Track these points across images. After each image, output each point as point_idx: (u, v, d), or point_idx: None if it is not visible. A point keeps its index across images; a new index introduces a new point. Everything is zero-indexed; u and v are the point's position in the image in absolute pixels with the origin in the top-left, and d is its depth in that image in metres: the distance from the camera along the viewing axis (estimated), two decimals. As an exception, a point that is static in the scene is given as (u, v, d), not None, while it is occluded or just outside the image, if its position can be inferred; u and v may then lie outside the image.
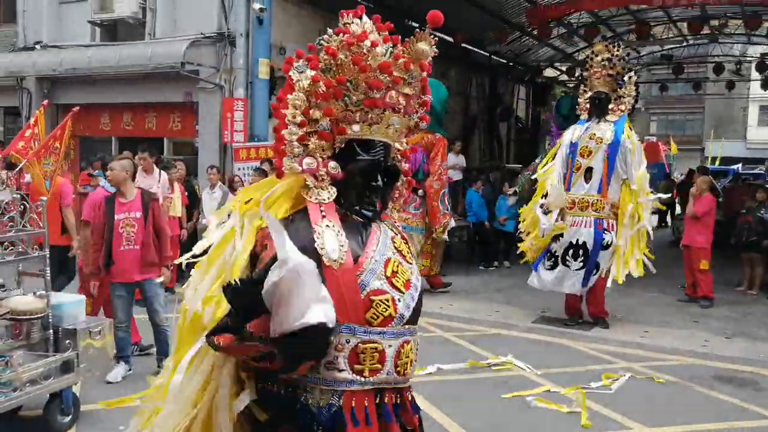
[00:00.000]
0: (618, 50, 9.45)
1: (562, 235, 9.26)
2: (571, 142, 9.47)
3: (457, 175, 15.43)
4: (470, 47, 20.78)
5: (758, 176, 23.97)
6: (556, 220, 9.14)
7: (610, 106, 9.38)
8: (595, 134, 9.27)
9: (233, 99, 12.99)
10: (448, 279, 12.00)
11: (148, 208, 6.99)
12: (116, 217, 6.84)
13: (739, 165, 31.91)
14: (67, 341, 5.61)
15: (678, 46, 26.24)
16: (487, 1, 18.89)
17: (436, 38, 2.57)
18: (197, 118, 13.72)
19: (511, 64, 24.37)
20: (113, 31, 14.78)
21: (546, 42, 22.02)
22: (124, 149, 13.73)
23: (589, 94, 9.52)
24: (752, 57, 28.29)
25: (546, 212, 9.24)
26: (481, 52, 21.85)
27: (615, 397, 6.82)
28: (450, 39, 18.92)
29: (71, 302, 5.95)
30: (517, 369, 7.64)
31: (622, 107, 9.36)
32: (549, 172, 9.57)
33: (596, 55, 9.49)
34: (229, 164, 13.05)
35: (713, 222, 11.30)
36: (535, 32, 20.46)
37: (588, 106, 9.55)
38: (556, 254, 9.38)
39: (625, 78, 9.42)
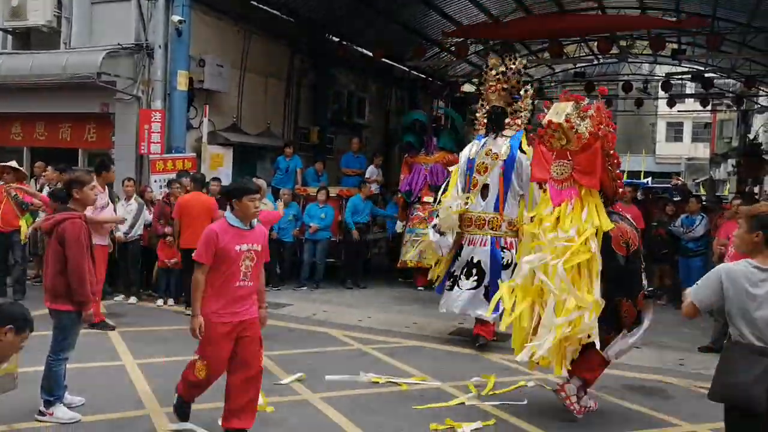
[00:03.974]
0: (513, 63, 9.23)
1: (460, 254, 9.16)
2: (469, 158, 9.24)
3: (376, 188, 15.60)
4: (390, 62, 20.96)
5: (666, 190, 24.71)
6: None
7: (507, 121, 9.21)
8: (491, 150, 9.06)
9: (151, 111, 12.82)
10: (368, 291, 12.20)
11: None
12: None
13: (649, 179, 32.91)
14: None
15: (590, 64, 27.04)
16: (406, 17, 19.12)
17: None
18: (113, 130, 13.49)
19: (430, 78, 24.63)
20: (26, 39, 14.42)
21: (464, 59, 22.34)
22: (37, 160, 13.48)
23: (486, 108, 9.37)
24: (659, 77, 29.36)
25: (440, 233, 9.13)
26: (401, 66, 22.04)
27: (528, 408, 6.97)
28: (370, 54, 19.10)
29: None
30: (431, 381, 7.68)
31: (518, 121, 9.19)
32: (449, 193, 9.37)
33: (491, 69, 9.30)
34: (146, 176, 12.87)
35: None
36: (453, 49, 20.76)
37: (485, 121, 9.36)
38: (455, 274, 9.22)
39: (521, 92, 9.26)
